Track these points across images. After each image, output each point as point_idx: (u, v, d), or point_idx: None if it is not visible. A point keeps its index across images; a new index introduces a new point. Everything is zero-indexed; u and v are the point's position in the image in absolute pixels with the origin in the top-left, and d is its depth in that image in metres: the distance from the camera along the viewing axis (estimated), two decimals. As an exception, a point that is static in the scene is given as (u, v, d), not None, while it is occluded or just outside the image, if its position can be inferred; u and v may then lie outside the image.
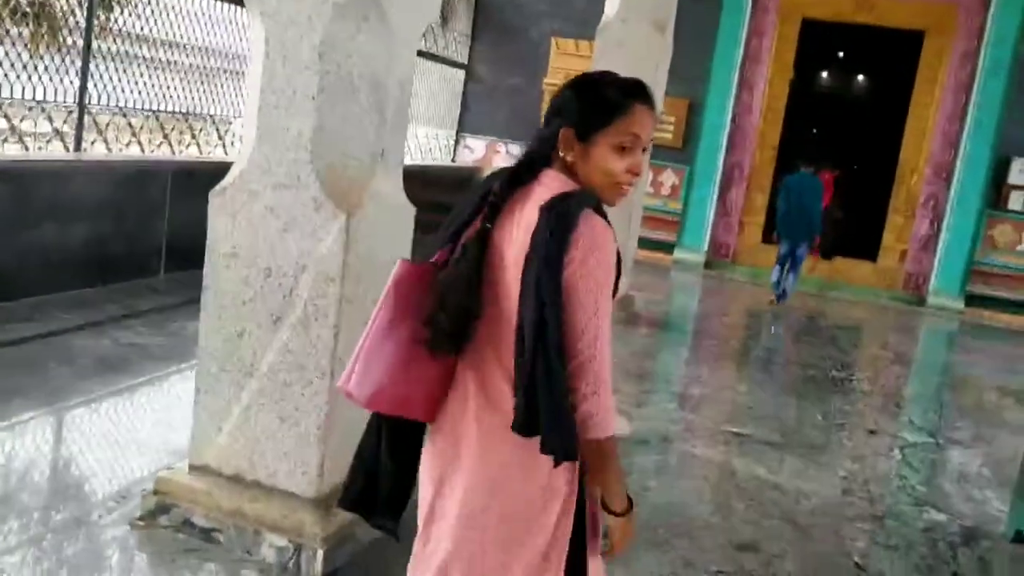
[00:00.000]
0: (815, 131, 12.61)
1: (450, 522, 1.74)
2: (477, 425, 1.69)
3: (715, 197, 10.72)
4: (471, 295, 1.67)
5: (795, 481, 4.11)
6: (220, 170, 2.86)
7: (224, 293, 2.77)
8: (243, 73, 7.40)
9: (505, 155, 11.56)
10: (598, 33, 6.77)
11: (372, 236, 2.79)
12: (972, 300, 9.99)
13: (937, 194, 10.19)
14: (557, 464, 1.61)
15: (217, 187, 2.76)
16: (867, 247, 10.64)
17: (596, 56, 6.75)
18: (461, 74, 11.63)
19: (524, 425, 1.58)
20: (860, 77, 12.06)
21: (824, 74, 12.31)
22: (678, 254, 10.80)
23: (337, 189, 2.68)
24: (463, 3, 11.40)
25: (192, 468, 2.89)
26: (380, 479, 1.82)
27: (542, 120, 1.82)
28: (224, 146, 7.08)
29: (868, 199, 10.70)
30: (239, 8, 6.94)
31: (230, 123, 7.38)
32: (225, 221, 2.75)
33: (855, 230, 10.92)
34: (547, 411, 1.57)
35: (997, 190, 9.87)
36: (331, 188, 2.66)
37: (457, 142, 11.80)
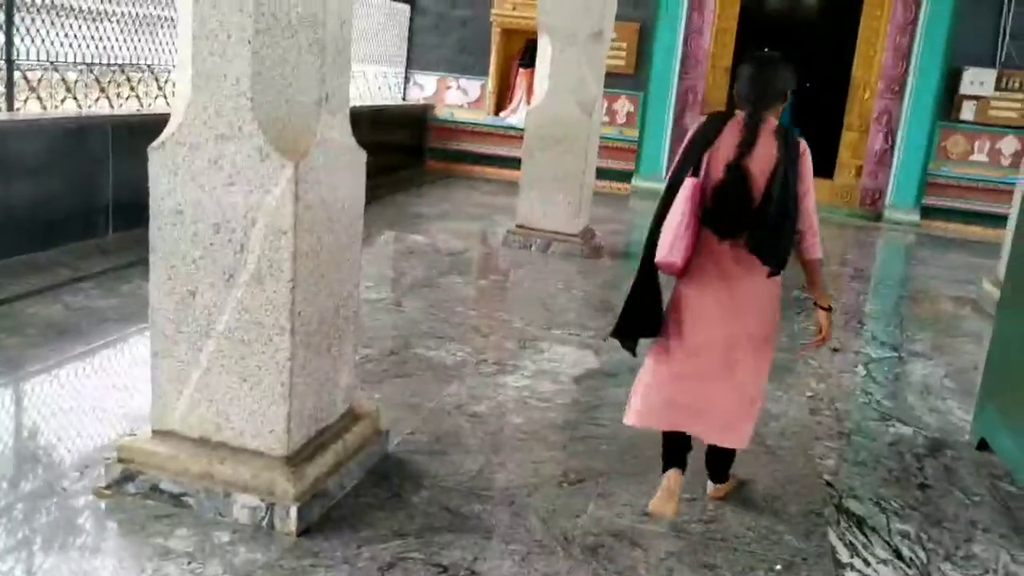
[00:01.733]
0: (766, 49, 12.53)
1: (729, 327, 2.85)
2: (744, 266, 2.77)
3: (670, 123, 10.64)
4: (745, 199, 2.71)
5: (765, 403, 4.14)
6: (162, 122, 2.72)
7: (172, 253, 2.67)
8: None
9: (457, 90, 11.35)
10: (545, -36, 6.58)
11: (323, 184, 2.69)
12: (928, 212, 10.11)
13: (890, 108, 10.20)
14: (776, 275, 2.79)
15: (155, 142, 2.63)
16: (824, 165, 10.66)
17: (543, -16, 6.57)
18: (407, 9, 11.32)
19: (780, 265, 2.75)
20: (810, -7, 11.99)
21: (774, -9, 12.20)
22: (636, 182, 10.75)
23: (282, 137, 2.57)
24: (403, -65, 11.03)
25: (156, 433, 2.82)
26: (648, 315, 2.94)
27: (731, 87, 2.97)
28: (165, 97, 6.83)
29: (822, 117, 10.66)
30: (169, -50, 6.63)
31: (169, 72, 7.11)
32: (167, 177, 2.63)
33: (812, 147, 10.90)
34: (784, 250, 2.74)
35: (949, 101, 9.90)
36: (276, 136, 2.55)
37: (407, 80, 11.54)
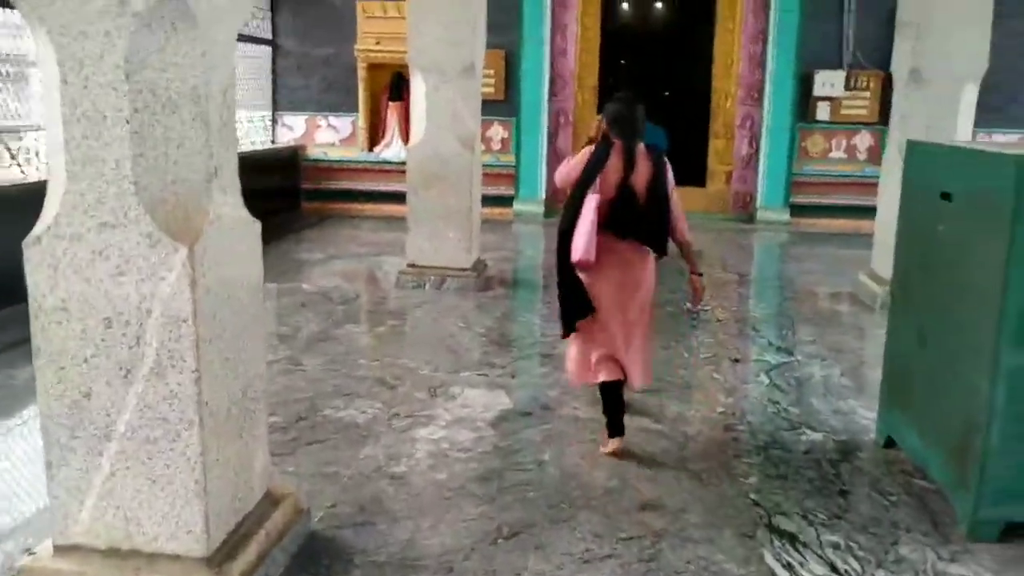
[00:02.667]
0: (623, 62, 12.86)
1: (627, 305, 3.76)
2: (635, 257, 3.75)
3: (545, 145, 10.75)
4: (636, 207, 3.64)
5: (679, 426, 4.19)
6: (23, 193, 2.51)
7: (60, 353, 2.46)
8: (23, 77, 6.70)
9: (327, 128, 11.15)
10: (410, -2, 6.53)
11: (220, 263, 2.54)
12: (796, 210, 10.55)
13: (752, 114, 10.62)
14: (661, 258, 3.85)
15: (30, 237, 2.42)
16: (695, 174, 11.00)
17: (411, 20, 6.52)
18: (268, 51, 11.05)
19: (663, 250, 3.80)
20: (668, 9, 12.35)
21: (634, 9, 12.51)
22: (518, 206, 10.80)
23: (172, 220, 2.41)
24: (257, -25, 10.78)
25: (58, 549, 2.59)
26: (582, 302, 3.75)
27: (607, 122, 3.76)
28: (19, 165, 6.40)
29: (689, 127, 11.00)
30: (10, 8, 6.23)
31: (21, 137, 6.67)
32: (47, 273, 2.42)
33: (682, 158, 11.23)
34: (664, 238, 3.75)
35: (805, 104, 10.39)
36: (165, 220, 2.39)
37: (275, 122, 11.26)
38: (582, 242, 3.56)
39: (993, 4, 6.14)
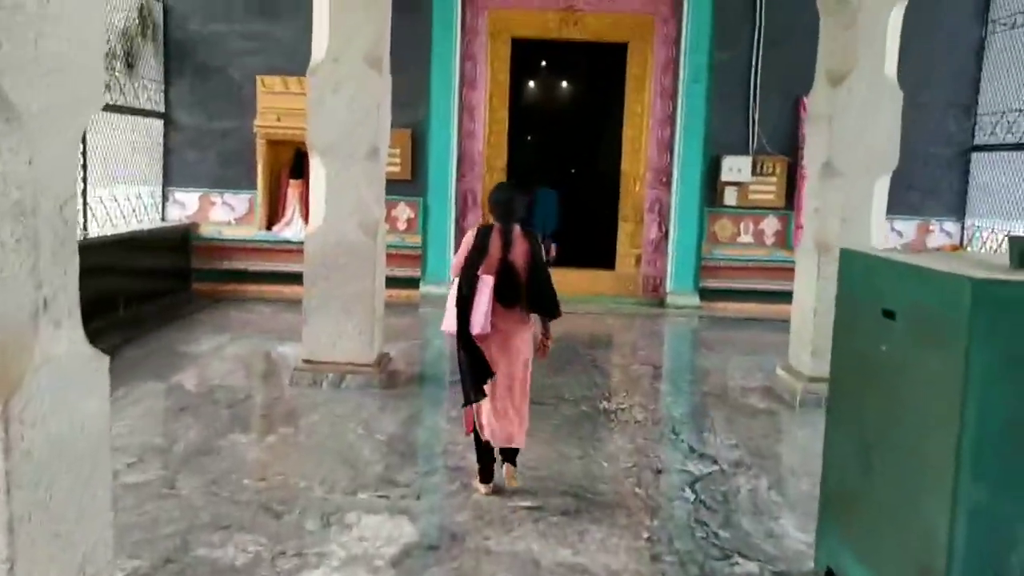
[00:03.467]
0: (536, 143, 12.74)
1: (512, 367, 4.29)
2: (516, 325, 4.28)
3: (452, 226, 10.42)
4: (516, 280, 4.20)
5: (602, 557, 3.77)
6: None
7: None
8: None
9: (222, 205, 10.57)
10: (309, 74, 6.14)
11: (51, 416, 2.03)
12: (706, 294, 10.45)
13: (661, 198, 10.55)
14: (552, 320, 4.44)
15: None
16: (604, 257, 10.83)
17: (312, 101, 6.12)
18: (159, 124, 10.47)
19: (556, 312, 4.38)
20: (578, 92, 12.31)
21: (543, 92, 12.45)
22: (424, 289, 10.38)
23: (-16, 366, 1.90)
24: (149, 45, 10.25)
25: None
26: (483, 368, 4.21)
27: (497, 203, 4.35)
28: None
29: (599, 210, 10.88)
30: None
31: None
32: None
33: (591, 241, 11.07)
34: (554, 305, 4.34)
35: (713, 188, 10.38)
36: (-26, 366, 1.88)
37: (165, 198, 10.62)
38: (479, 318, 4.16)
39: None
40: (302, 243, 6.34)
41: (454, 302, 4.29)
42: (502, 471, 4.46)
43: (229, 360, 7.11)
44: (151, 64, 10.28)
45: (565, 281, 10.81)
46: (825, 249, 6.24)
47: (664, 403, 6.40)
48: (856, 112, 6.08)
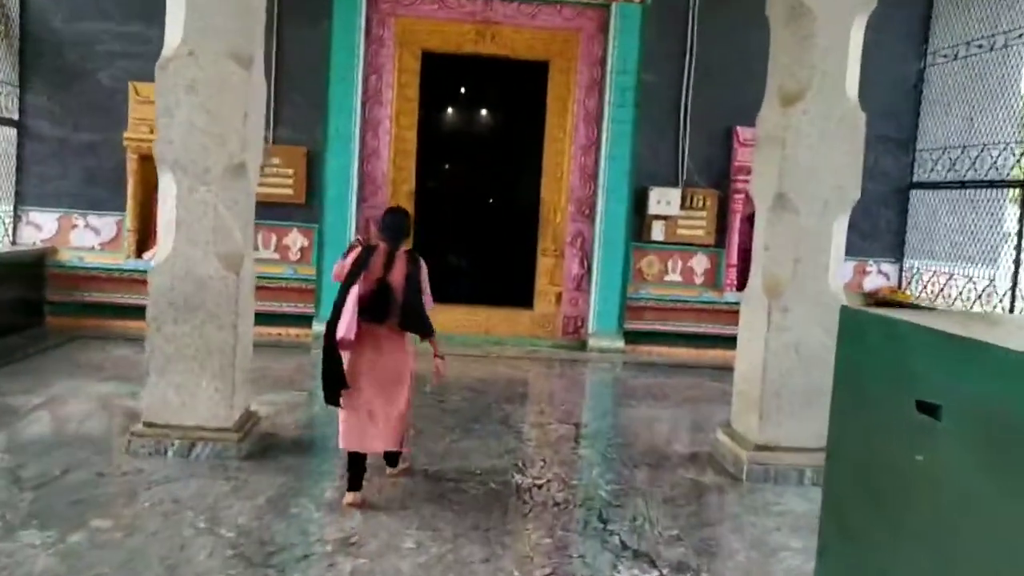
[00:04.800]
0: (447, 166, 11.69)
1: (382, 381, 4.51)
2: (389, 342, 4.52)
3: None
4: (389, 299, 4.44)
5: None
6: None
7: None
8: None
9: (85, 228, 9.20)
10: (159, 69, 4.97)
11: None
12: (631, 337, 9.55)
13: (583, 231, 9.63)
14: (425, 339, 4.61)
15: None
16: (522, 294, 9.82)
17: (160, 103, 4.95)
18: (12, 133, 9.07)
19: (427, 332, 4.57)
20: (494, 112, 11.31)
21: (455, 110, 11.41)
22: (318, 327, 9.17)
23: None
24: (4, 45, 8.88)
25: None
26: (338, 377, 4.42)
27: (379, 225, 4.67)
28: None
29: (517, 242, 9.87)
30: None
31: None
32: None
33: (508, 277, 10.05)
34: (426, 323, 4.56)
35: (640, 221, 9.51)
36: None
37: (17, 218, 9.18)
38: (343, 324, 4.36)
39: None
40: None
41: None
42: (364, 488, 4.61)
43: (61, 417, 5.80)
44: (3, 64, 8.91)
45: (478, 320, 9.88)
46: (776, 294, 5.34)
47: (589, 476, 5.34)
48: (813, 136, 5.22)
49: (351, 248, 4.68)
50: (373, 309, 4.42)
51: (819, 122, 5.20)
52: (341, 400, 4.48)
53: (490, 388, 7.39)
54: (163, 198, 5.09)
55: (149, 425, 5.06)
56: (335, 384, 4.44)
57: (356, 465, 4.54)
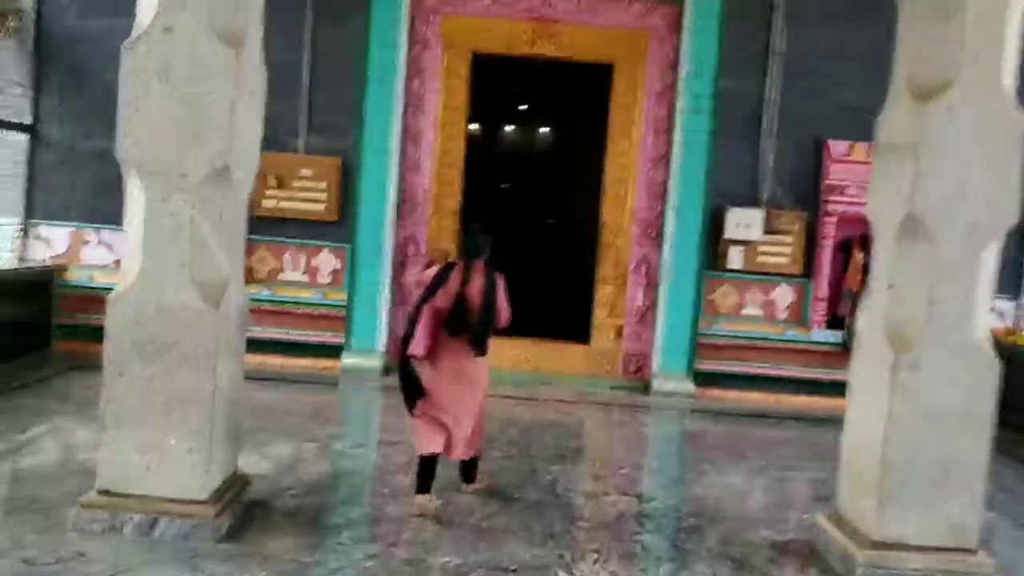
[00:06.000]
0: (497, 182, 10.65)
1: (460, 390, 4.66)
2: (467, 352, 4.64)
3: (387, 281, 8.26)
4: (466, 313, 4.59)
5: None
6: None
7: None
8: None
9: (98, 245, 8.37)
10: (125, 52, 4.00)
11: None
12: (701, 378, 8.34)
13: (649, 256, 8.48)
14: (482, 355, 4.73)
15: None
16: (578, 327, 8.69)
17: (128, 90, 3.97)
18: (23, 140, 8.30)
19: (482, 351, 4.68)
20: (550, 122, 10.24)
21: (507, 120, 10.37)
22: (348, 360, 8.18)
23: None
24: (16, 43, 8.13)
25: None
26: (416, 387, 4.60)
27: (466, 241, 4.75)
28: None
29: (573, 269, 8.76)
30: None
31: None
32: None
33: (563, 308, 8.93)
34: (485, 342, 4.70)
35: (714, 247, 8.31)
36: None
37: (26, 233, 8.39)
38: (417, 341, 4.57)
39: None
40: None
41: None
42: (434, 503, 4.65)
43: (19, 473, 4.86)
44: (16, 66, 8.16)
45: (526, 355, 8.78)
46: (904, 346, 4.12)
47: (655, 568, 4.17)
48: (959, 142, 4.01)
49: (430, 263, 5.13)
50: (451, 323, 4.61)
51: (967, 123, 3.99)
52: (418, 408, 4.62)
53: (536, 441, 6.26)
54: (129, 212, 4.10)
55: (104, 493, 4.05)
56: (414, 394, 4.62)
57: (430, 469, 4.64)
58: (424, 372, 4.64)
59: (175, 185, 3.97)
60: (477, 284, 4.64)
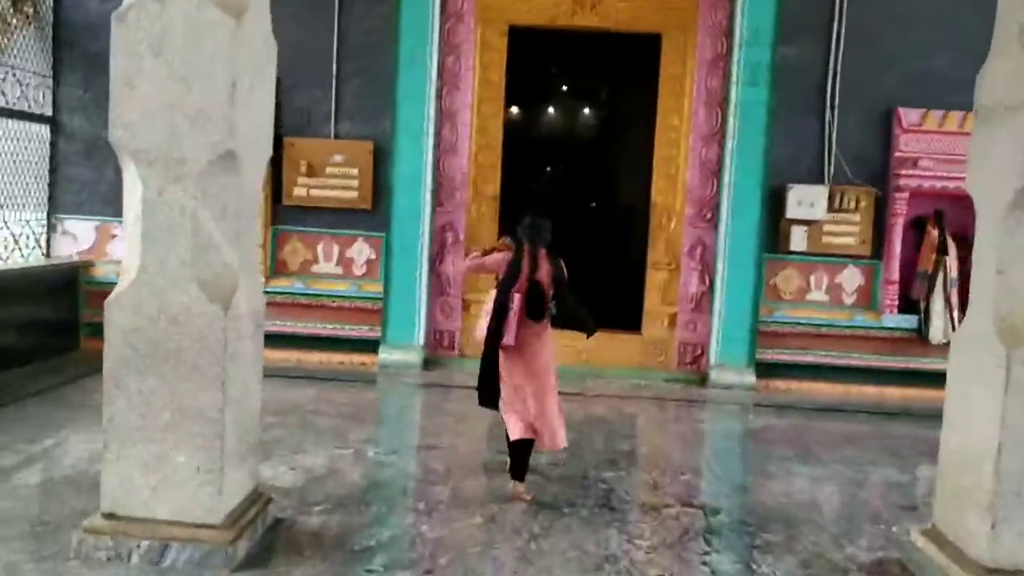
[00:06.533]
0: (550, 169, 10.13)
1: (535, 373, 4.70)
2: (538, 338, 4.71)
3: (425, 270, 7.80)
4: (541, 296, 4.66)
5: None
6: None
7: None
8: None
9: (123, 238, 8.00)
10: (115, 23, 3.55)
11: None
12: (762, 369, 7.76)
13: (704, 239, 7.90)
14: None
15: None
16: (629, 315, 8.14)
17: (117, 69, 3.53)
18: (45, 131, 7.98)
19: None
20: (594, 97, 9.68)
21: (548, 96, 9.82)
22: (385, 355, 7.75)
23: None
24: (35, 31, 7.80)
25: None
26: (492, 386, 4.73)
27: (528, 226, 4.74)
28: None
29: (622, 253, 8.22)
30: None
31: None
32: None
33: (612, 295, 8.39)
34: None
35: (775, 227, 7.70)
36: None
37: (51, 228, 8.09)
38: (510, 331, 4.60)
39: None
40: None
41: (488, 313, 4.76)
42: (509, 487, 4.74)
43: (28, 490, 4.49)
44: (36, 55, 7.83)
45: (576, 347, 8.20)
46: (1018, 340, 3.53)
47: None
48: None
49: (492, 249, 5.00)
50: (530, 308, 4.66)
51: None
52: (502, 401, 4.71)
53: (588, 443, 5.76)
54: (128, 203, 3.67)
55: (109, 517, 3.64)
56: (493, 389, 4.72)
57: (522, 455, 4.72)
58: (502, 362, 4.69)
59: (173, 175, 3.52)
60: (545, 269, 4.72)
